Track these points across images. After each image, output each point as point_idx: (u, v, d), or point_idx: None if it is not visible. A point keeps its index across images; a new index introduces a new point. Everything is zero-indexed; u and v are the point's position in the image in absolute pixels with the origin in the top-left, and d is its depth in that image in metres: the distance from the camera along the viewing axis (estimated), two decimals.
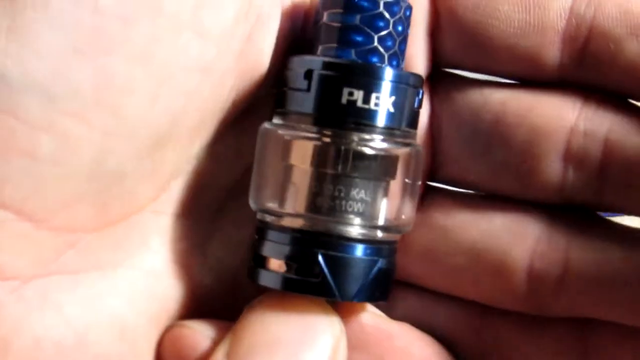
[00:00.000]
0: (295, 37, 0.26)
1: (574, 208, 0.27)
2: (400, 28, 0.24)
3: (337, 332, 0.24)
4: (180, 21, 0.22)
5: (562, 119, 0.26)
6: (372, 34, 0.24)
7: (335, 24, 0.24)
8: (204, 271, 0.26)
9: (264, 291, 0.25)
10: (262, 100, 0.26)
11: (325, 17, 0.24)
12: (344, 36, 0.24)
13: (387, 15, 0.24)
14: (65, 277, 0.23)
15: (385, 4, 0.24)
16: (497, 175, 0.26)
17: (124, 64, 0.21)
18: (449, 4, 0.26)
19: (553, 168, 0.26)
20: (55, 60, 0.20)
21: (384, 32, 0.24)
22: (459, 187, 0.28)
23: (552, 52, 0.25)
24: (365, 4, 0.24)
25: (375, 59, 0.24)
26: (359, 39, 0.24)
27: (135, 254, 0.25)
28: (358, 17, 0.24)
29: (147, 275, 0.25)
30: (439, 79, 0.27)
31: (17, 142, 0.20)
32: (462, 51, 0.26)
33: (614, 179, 0.25)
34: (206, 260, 0.26)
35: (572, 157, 0.26)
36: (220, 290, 0.26)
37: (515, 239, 0.26)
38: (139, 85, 0.22)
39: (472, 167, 0.27)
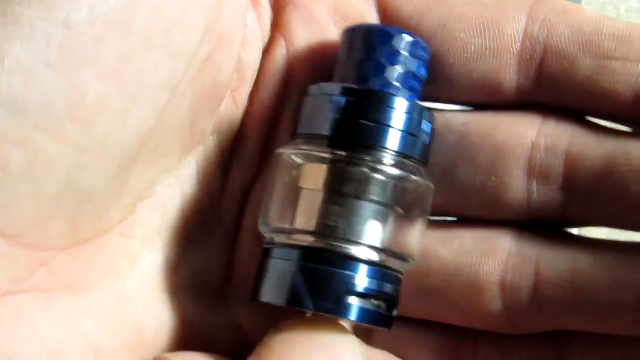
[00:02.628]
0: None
1: (541, 223, 0.27)
2: (420, 69, 0.26)
3: (358, 354, 0.24)
4: (151, 41, 0.23)
5: (523, 136, 0.26)
6: (387, 65, 0.25)
7: (349, 59, 0.26)
8: (177, 298, 0.26)
9: (252, 314, 0.25)
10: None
11: (341, 52, 0.26)
12: (357, 70, 0.25)
13: (407, 54, 0.25)
14: (38, 294, 0.23)
15: (410, 44, 0.25)
16: (464, 196, 0.27)
17: (95, 80, 0.22)
18: None
19: (518, 184, 0.26)
20: (26, 76, 0.21)
21: (404, 71, 0.25)
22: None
23: (509, 74, 0.26)
24: (380, 39, 0.25)
25: (399, 94, 0.25)
26: (372, 73, 0.25)
27: (105, 276, 0.25)
28: (372, 52, 0.25)
29: (118, 299, 0.25)
30: None
31: None
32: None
33: (578, 191, 0.26)
34: (176, 286, 0.26)
35: (536, 172, 0.26)
36: (198, 317, 0.27)
37: (486, 255, 0.27)
38: (111, 102, 0.22)
39: (439, 191, 0.27)
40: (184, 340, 0.26)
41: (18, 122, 0.21)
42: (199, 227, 0.27)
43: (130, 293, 0.25)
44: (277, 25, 0.27)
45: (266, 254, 0.25)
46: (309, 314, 0.24)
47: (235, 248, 0.28)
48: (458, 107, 0.28)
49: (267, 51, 0.27)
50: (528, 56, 0.26)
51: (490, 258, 0.27)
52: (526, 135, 0.26)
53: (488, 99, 0.27)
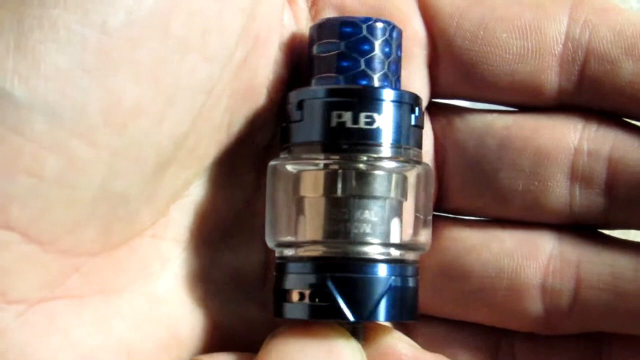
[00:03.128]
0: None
1: (581, 226, 0.27)
2: (387, 49, 0.25)
3: (359, 357, 0.24)
4: (187, 44, 0.22)
5: (565, 141, 0.26)
6: (358, 57, 0.25)
7: (323, 54, 0.25)
8: (211, 298, 0.26)
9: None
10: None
11: (314, 49, 0.25)
12: (332, 64, 0.25)
13: (370, 38, 0.25)
14: (70, 301, 0.23)
15: (368, 27, 0.25)
16: (505, 199, 0.27)
17: (131, 84, 0.21)
18: (447, 35, 0.26)
19: (560, 189, 0.26)
20: (62, 80, 0.21)
21: (369, 55, 0.25)
22: (466, 216, 0.28)
23: (550, 76, 0.26)
24: (349, 30, 0.25)
25: (364, 82, 0.25)
26: (346, 64, 0.25)
27: (137, 278, 0.25)
28: (343, 44, 0.25)
29: (150, 300, 0.25)
30: (441, 110, 0.28)
31: (23, 161, 0.21)
32: (463, 81, 0.27)
33: (619, 195, 0.26)
34: (209, 286, 0.26)
35: (578, 176, 0.26)
36: (233, 316, 0.26)
37: (527, 258, 0.27)
38: (146, 106, 0.22)
39: (479, 194, 0.27)
40: (218, 339, 0.26)
41: (54, 128, 0.21)
42: (233, 226, 0.27)
43: (163, 294, 0.25)
44: None
45: (281, 269, 0.25)
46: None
47: (270, 250, 0.27)
48: (498, 107, 0.28)
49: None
50: (570, 58, 0.26)
51: (532, 261, 0.26)
52: (568, 140, 0.26)
53: (529, 101, 0.27)
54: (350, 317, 0.23)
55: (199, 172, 0.25)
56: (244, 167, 0.27)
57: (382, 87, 0.25)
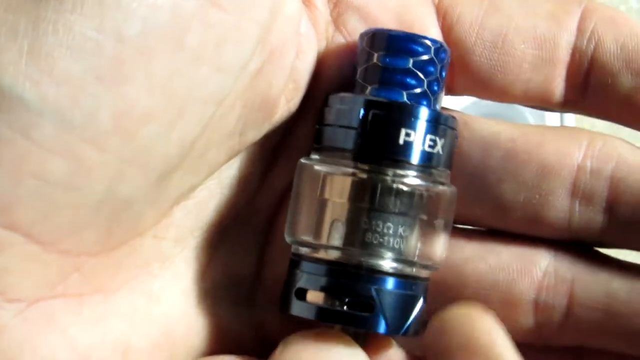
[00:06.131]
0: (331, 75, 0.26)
1: (577, 243, 0.27)
2: (443, 74, 0.25)
3: None
4: (201, 56, 0.22)
5: (570, 157, 0.26)
6: (423, 78, 0.25)
7: (386, 66, 0.25)
8: (208, 297, 0.26)
9: (278, 317, 0.25)
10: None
11: (376, 58, 0.25)
12: (393, 78, 0.25)
13: (436, 61, 0.25)
14: (69, 299, 0.23)
15: (435, 50, 0.25)
16: (505, 211, 0.27)
17: (143, 93, 0.21)
18: (466, 44, 0.26)
19: (561, 204, 0.26)
20: (74, 87, 0.20)
21: (432, 77, 0.25)
22: (463, 224, 0.28)
23: (560, 85, 0.26)
24: (420, 49, 0.25)
25: (424, 102, 0.25)
26: (411, 81, 0.25)
27: (136, 277, 0.25)
28: (412, 61, 0.25)
29: (148, 298, 0.25)
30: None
31: (30, 164, 0.20)
32: (477, 89, 0.27)
33: (619, 215, 0.26)
34: (206, 285, 0.26)
35: (579, 193, 0.26)
36: (227, 316, 0.26)
37: (522, 272, 0.27)
38: (157, 115, 0.22)
39: (480, 203, 0.27)
40: (214, 339, 0.26)
41: (63, 133, 0.20)
42: (232, 225, 0.27)
43: (160, 292, 0.25)
44: (339, 31, 0.26)
45: (295, 266, 0.25)
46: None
47: (267, 249, 0.27)
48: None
49: (328, 57, 0.26)
50: (576, 67, 0.26)
51: (527, 276, 0.27)
52: (572, 156, 0.26)
53: (537, 107, 0.27)
54: (382, 330, 0.24)
55: (207, 176, 0.25)
56: (252, 170, 0.26)
57: (424, 104, 0.25)
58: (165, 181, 0.23)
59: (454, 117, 0.25)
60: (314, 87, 0.26)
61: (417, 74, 0.25)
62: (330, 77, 0.26)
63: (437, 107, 0.25)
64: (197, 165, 0.24)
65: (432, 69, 0.25)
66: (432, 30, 0.26)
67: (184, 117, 0.22)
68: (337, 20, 0.26)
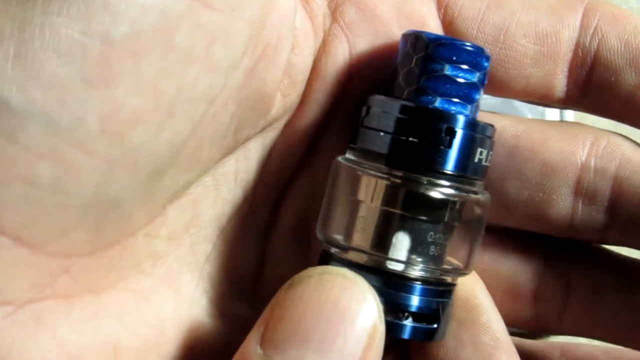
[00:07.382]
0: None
1: (577, 239, 0.27)
2: (485, 82, 0.25)
3: (376, 318, 0.23)
4: (191, 55, 0.21)
5: (573, 155, 0.26)
6: (481, 90, 0.25)
7: (454, 77, 0.24)
8: (199, 296, 0.26)
9: None
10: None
11: (447, 69, 0.24)
12: (461, 90, 0.24)
13: (487, 74, 0.25)
14: (59, 301, 0.22)
15: (489, 61, 0.24)
16: (509, 208, 0.27)
17: (132, 95, 0.21)
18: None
19: (564, 202, 0.26)
20: (61, 90, 0.20)
21: (483, 89, 0.25)
22: None
23: (561, 80, 0.26)
24: (484, 62, 0.24)
25: (465, 110, 0.24)
26: (474, 94, 0.24)
27: (127, 276, 0.24)
28: (478, 75, 0.24)
29: (139, 297, 0.24)
30: None
31: (17, 168, 0.20)
32: None
33: (620, 214, 0.26)
34: (201, 284, 0.26)
35: (582, 192, 0.26)
36: (224, 313, 0.26)
37: (524, 265, 0.27)
38: (146, 117, 0.21)
39: None
40: (206, 338, 0.26)
41: (50, 137, 0.20)
42: (230, 224, 0.26)
43: (152, 291, 0.25)
44: (337, 22, 0.26)
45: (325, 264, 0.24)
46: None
47: (267, 246, 0.27)
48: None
49: (324, 50, 0.26)
50: (578, 64, 0.26)
51: (527, 269, 0.27)
52: (576, 155, 0.26)
53: (538, 102, 0.27)
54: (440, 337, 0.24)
55: (202, 173, 0.25)
56: (248, 165, 0.26)
57: (462, 112, 0.24)
58: (156, 180, 0.23)
59: (491, 126, 0.25)
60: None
61: (478, 87, 0.24)
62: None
63: (475, 113, 0.25)
64: (190, 163, 0.24)
65: (485, 82, 0.25)
66: (431, 23, 0.26)
67: (174, 117, 0.22)
68: (334, 12, 0.26)
